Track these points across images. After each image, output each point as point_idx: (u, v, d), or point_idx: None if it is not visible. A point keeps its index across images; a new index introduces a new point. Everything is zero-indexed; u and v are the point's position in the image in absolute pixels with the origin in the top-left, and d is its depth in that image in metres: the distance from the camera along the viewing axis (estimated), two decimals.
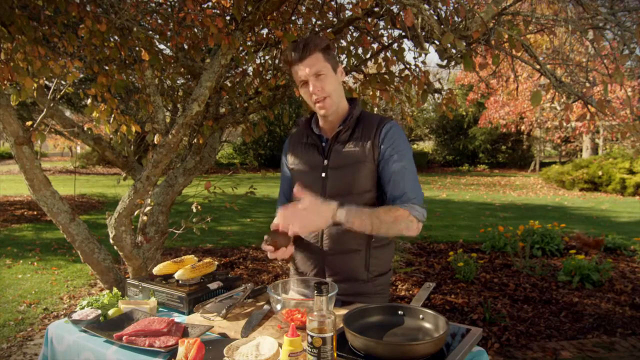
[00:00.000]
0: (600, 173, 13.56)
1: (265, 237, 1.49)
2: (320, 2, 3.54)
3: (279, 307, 1.48)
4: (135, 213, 2.95)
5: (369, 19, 3.38)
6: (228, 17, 3.14)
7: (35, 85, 2.81)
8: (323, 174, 1.69)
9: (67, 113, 10.96)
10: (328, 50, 1.63)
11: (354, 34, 3.63)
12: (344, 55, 3.51)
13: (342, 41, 3.59)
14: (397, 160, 1.62)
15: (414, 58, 3.79)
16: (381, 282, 1.73)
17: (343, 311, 1.47)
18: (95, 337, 1.44)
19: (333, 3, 3.53)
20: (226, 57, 2.79)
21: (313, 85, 1.60)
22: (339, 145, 1.68)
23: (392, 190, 1.61)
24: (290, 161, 1.82)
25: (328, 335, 1.13)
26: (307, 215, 1.43)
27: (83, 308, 1.61)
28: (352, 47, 3.50)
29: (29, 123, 2.91)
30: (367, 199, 1.66)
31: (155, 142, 2.90)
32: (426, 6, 2.64)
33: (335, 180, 1.66)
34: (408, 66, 3.45)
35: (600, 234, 6.86)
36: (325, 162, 1.69)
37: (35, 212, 9.06)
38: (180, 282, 1.74)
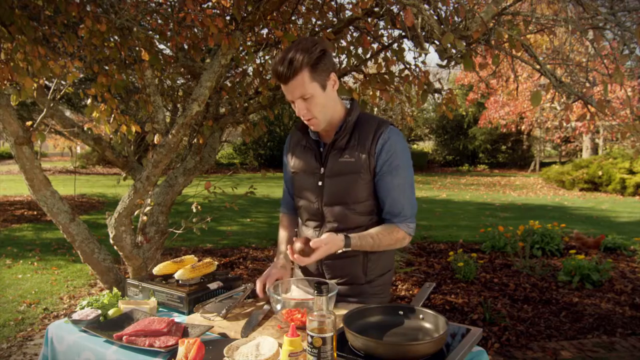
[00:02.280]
0: (600, 173, 13.56)
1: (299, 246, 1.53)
2: (320, 2, 3.53)
3: (279, 307, 1.48)
4: (135, 213, 2.95)
5: (369, 19, 3.38)
6: (228, 17, 3.14)
7: (35, 85, 2.80)
8: (320, 183, 1.68)
9: (67, 113, 10.95)
10: (318, 64, 1.51)
11: (354, 34, 3.63)
12: (344, 55, 3.51)
13: (342, 41, 3.58)
14: (396, 176, 1.62)
15: (414, 58, 3.79)
16: (379, 283, 1.74)
17: (343, 311, 1.47)
18: (95, 337, 1.44)
19: (333, 3, 3.53)
20: (226, 57, 2.79)
21: (298, 107, 1.56)
22: (335, 153, 1.66)
23: (390, 207, 1.64)
24: (290, 163, 1.81)
25: (328, 335, 1.13)
26: (324, 250, 1.51)
27: (83, 308, 1.61)
28: (352, 47, 3.49)
29: (29, 123, 2.91)
30: (364, 207, 1.66)
31: (155, 142, 2.90)
32: (426, 6, 2.64)
33: (332, 190, 1.66)
34: (408, 66, 3.44)
35: (600, 234, 6.85)
36: (322, 169, 1.68)
37: (35, 212, 9.06)
38: (180, 282, 1.74)
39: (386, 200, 1.64)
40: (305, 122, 1.63)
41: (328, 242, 1.51)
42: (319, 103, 1.56)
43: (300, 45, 1.51)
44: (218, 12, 3.18)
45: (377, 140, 1.61)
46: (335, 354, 1.16)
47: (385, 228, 1.64)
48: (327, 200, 1.66)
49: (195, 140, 3.31)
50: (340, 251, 1.56)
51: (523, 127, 16.76)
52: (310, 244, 1.50)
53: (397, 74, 3.48)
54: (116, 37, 2.99)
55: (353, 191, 1.63)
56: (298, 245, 1.51)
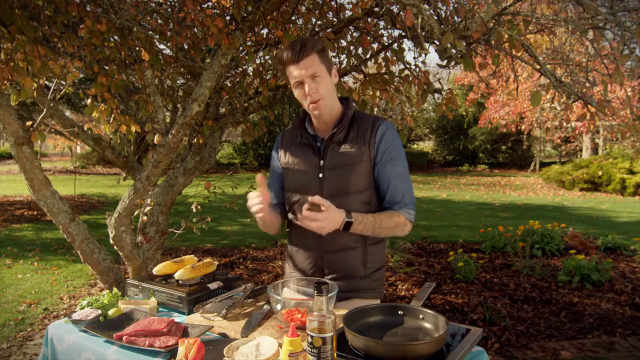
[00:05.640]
0: (600, 173, 13.56)
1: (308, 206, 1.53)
2: (320, 2, 3.53)
3: (279, 307, 1.48)
4: (135, 213, 2.95)
5: (369, 19, 3.38)
6: (228, 17, 3.14)
7: (35, 85, 2.80)
8: (320, 175, 1.71)
9: (67, 113, 10.95)
10: (323, 52, 1.65)
11: (354, 34, 3.63)
12: (344, 55, 3.51)
13: (342, 41, 3.59)
14: (396, 165, 1.69)
15: (414, 58, 3.78)
16: (377, 277, 1.77)
17: (343, 311, 1.47)
18: (95, 337, 1.44)
19: (333, 3, 3.53)
20: (226, 57, 2.79)
21: (309, 86, 1.62)
22: (334, 146, 1.71)
23: (391, 195, 1.70)
24: (283, 159, 1.83)
25: (328, 335, 1.13)
26: (325, 219, 1.52)
27: (83, 308, 1.61)
28: (352, 47, 3.49)
29: (29, 123, 2.91)
30: (363, 197, 1.70)
31: (155, 142, 2.90)
32: (426, 6, 2.63)
33: (333, 181, 1.69)
34: (408, 66, 3.44)
35: (600, 234, 6.86)
36: (322, 162, 1.71)
37: (35, 212, 9.06)
38: (180, 282, 1.74)
39: (388, 188, 1.69)
40: (312, 106, 1.66)
41: (330, 205, 1.53)
42: (326, 85, 1.65)
43: (307, 37, 1.66)
44: (218, 12, 3.18)
45: (376, 132, 1.69)
46: (335, 354, 1.16)
47: (385, 212, 1.70)
48: (329, 192, 1.68)
49: (195, 140, 3.31)
50: (342, 224, 1.57)
51: (523, 127, 16.73)
52: (313, 200, 1.50)
53: (397, 74, 3.48)
54: (116, 37, 2.99)
55: (354, 180, 1.68)
56: (305, 206, 1.50)
